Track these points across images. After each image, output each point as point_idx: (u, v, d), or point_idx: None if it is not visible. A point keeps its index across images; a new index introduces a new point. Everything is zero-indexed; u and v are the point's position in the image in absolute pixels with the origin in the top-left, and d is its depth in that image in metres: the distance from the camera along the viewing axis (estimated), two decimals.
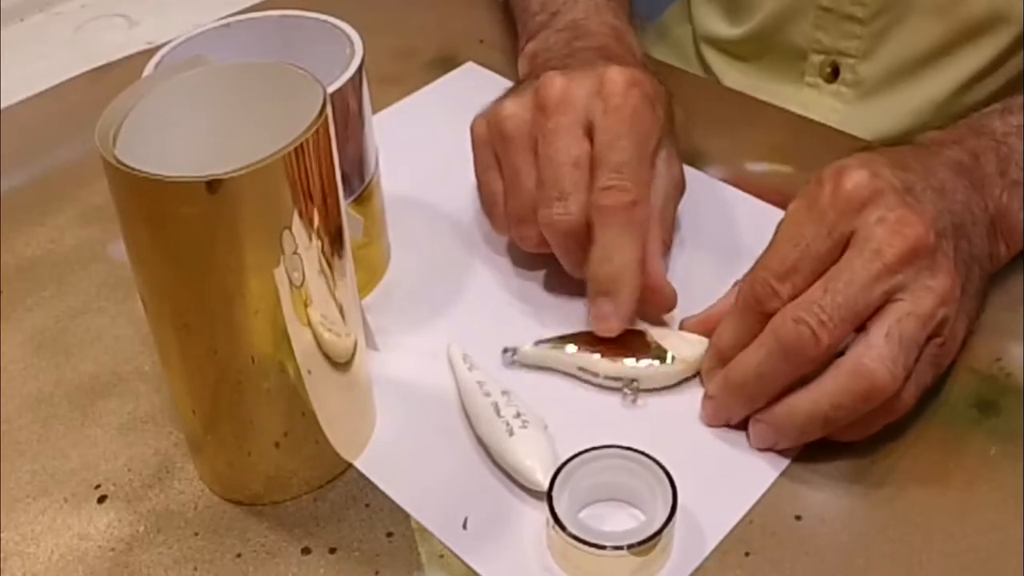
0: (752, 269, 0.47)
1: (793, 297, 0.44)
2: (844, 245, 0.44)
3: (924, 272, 0.44)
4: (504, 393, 0.48)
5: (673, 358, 0.49)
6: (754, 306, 0.46)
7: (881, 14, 0.69)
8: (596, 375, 0.49)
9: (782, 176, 0.63)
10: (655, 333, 0.50)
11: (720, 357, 0.48)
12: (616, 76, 0.51)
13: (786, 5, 0.72)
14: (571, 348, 0.50)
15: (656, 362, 0.49)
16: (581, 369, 0.50)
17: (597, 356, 0.49)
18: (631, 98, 0.50)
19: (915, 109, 0.71)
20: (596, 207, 0.49)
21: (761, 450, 0.46)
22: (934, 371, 0.46)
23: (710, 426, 0.48)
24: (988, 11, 0.66)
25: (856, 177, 0.45)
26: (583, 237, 0.50)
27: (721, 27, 0.78)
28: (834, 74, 0.73)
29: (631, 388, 0.48)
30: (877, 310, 0.43)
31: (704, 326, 0.50)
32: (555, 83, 0.51)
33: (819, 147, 0.66)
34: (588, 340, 0.50)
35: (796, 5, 0.72)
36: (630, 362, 0.49)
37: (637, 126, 0.50)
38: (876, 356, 0.42)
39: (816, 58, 0.73)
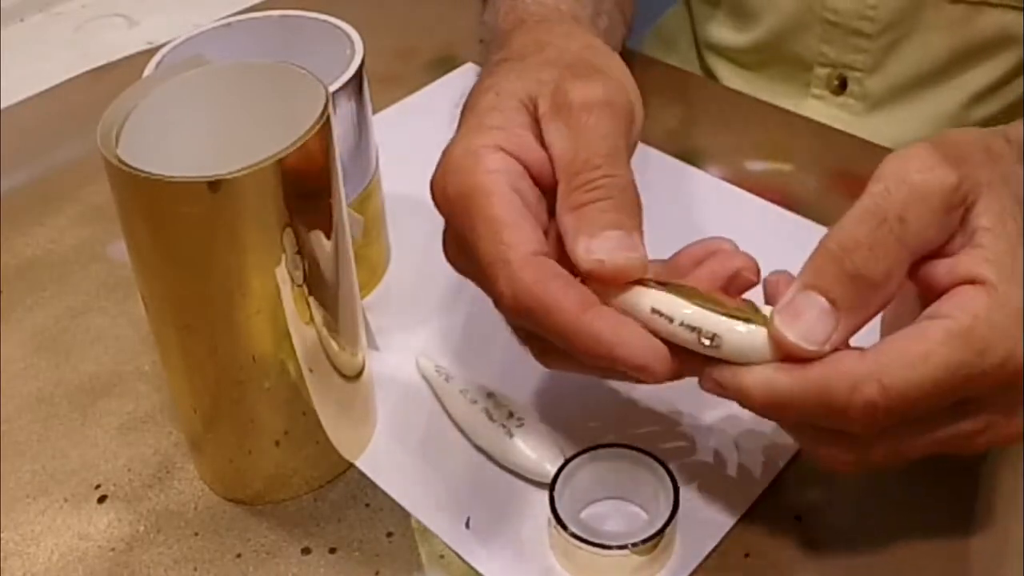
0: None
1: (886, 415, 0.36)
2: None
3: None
4: (490, 396, 0.48)
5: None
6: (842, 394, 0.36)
7: (889, 29, 0.68)
8: (671, 320, 0.38)
9: (782, 175, 0.63)
10: (766, 308, 0.40)
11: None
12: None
13: (791, 17, 0.72)
14: (650, 287, 0.39)
15: (753, 326, 0.38)
16: (655, 312, 0.39)
17: (680, 300, 0.39)
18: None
19: (923, 123, 0.71)
20: None
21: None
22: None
23: (705, 388, 0.40)
24: (997, 28, 0.66)
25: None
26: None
27: (725, 35, 0.78)
28: (842, 86, 0.72)
29: (711, 340, 0.38)
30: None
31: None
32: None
33: (819, 146, 0.66)
34: (680, 287, 0.40)
35: (802, 18, 0.71)
36: (719, 317, 0.38)
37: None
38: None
39: (822, 71, 0.73)
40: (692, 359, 0.38)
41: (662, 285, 0.39)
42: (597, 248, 0.38)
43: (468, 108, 0.44)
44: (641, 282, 0.39)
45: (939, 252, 0.37)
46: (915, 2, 0.67)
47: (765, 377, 0.37)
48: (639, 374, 0.37)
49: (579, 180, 0.40)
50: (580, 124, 0.41)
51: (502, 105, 0.42)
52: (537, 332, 0.39)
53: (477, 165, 0.40)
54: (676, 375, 0.39)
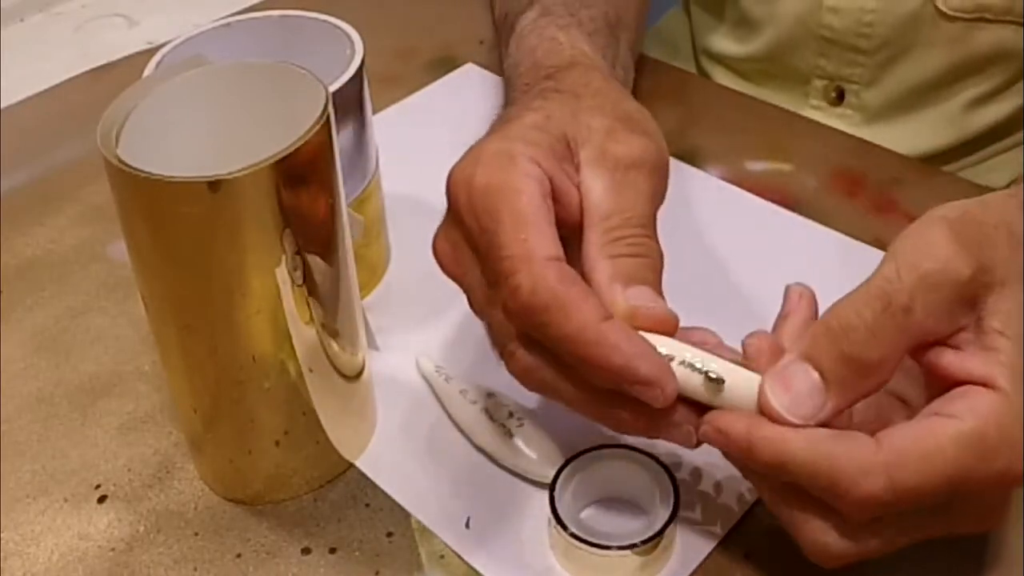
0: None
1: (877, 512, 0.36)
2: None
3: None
4: (490, 396, 0.48)
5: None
6: (842, 493, 0.35)
7: (885, 46, 0.68)
8: (673, 359, 0.38)
9: (782, 174, 0.63)
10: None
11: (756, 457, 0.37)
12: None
13: (789, 32, 0.72)
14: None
15: (755, 376, 0.37)
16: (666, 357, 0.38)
17: (682, 344, 0.38)
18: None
19: (921, 134, 0.71)
20: None
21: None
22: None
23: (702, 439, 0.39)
24: (994, 43, 0.66)
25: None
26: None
27: (724, 45, 0.78)
28: (839, 98, 0.72)
29: (713, 381, 0.38)
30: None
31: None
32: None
33: (819, 146, 0.66)
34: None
35: (799, 33, 0.71)
36: (722, 361, 0.38)
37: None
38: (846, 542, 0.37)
39: (820, 83, 0.73)
40: (682, 408, 0.38)
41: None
42: (632, 296, 0.38)
43: (511, 117, 0.44)
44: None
45: (946, 339, 0.37)
46: (912, 19, 0.67)
47: (778, 433, 0.36)
48: (646, 390, 0.37)
49: (620, 233, 0.40)
50: (625, 179, 0.41)
51: (549, 129, 0.42)
52: (544, 336, 0.38)
53: (513, 165, 0.40)
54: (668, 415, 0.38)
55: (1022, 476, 0.35)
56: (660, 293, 0.40)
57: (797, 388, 0.36)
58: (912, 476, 0.35)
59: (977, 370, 0.36)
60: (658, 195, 0.42)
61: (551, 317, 0.37)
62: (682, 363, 0.38)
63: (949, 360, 0.36)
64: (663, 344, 0.38)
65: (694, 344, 0.39)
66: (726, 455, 0.38)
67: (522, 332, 0.39)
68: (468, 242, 0.41)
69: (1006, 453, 0.35)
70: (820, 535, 0.37)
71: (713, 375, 0.37)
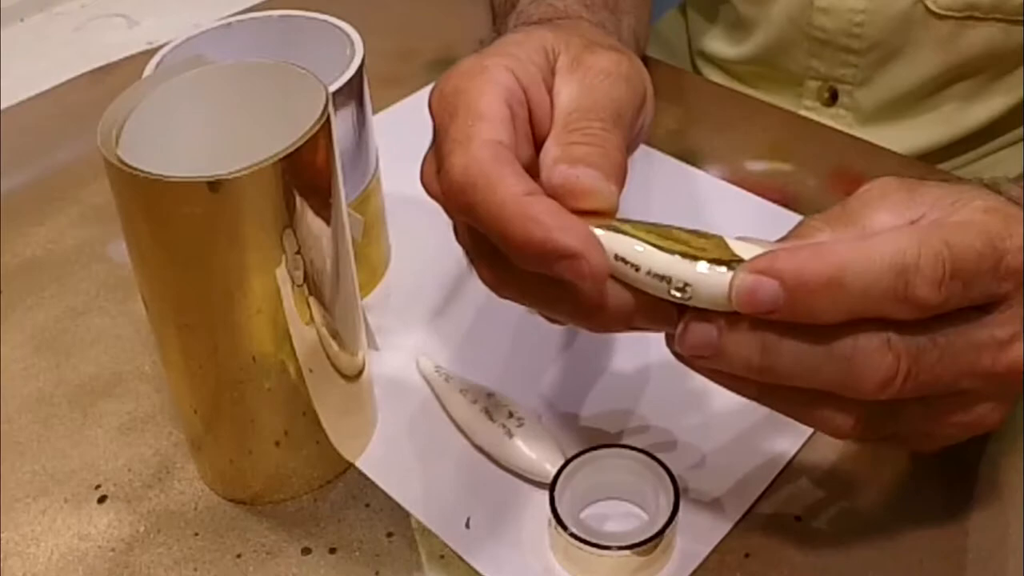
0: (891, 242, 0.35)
1: (911, 315, 0.35)
2: (986, 303, 0.37)
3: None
4: (490, 396, 0.48)
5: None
6: (874, 293, 0.34)
7: (877, 46, 0.69)
8: (637, 268, 0.36)
9: (782, 174, 0.63)
10: (735, 243, 0.37)
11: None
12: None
13: (781, 33, 0.72)
14: (613, 229, 0.37)
15: (722, 268, 0.35)
16: (619, 259, 0.36)
17: (641, 245, 0.36)
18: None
19: (914, 134, 0.71)
20: None
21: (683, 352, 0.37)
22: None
23: (683, 351, 0.37)
24: (985, 41, 0.66)
25: None
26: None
27: (719, 47, 0.78)
28: (832, 99, 0.73)
29: (681, 291, 0.36)
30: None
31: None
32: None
33: (818, 145, 0.66)
34: (637, 223, 0.38)
35: (791, 34, 0.72)
36: (685, 262, 0.36)
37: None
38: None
39: (813, 83, 0.73)
40: (663, 309, 0.37)
41: (628, 223, 0.37)
42: (572, 172, 0.37)
43: (495, 41, 0.44)
44: (609, 226, 0.37)
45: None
46: (902, 19, 0.67)
47: (820, 248, 0.35)
48: (572, 266, 0.35)
49: (576, 125, 0.39)
50: (594, 83, 0.40)
51: (526, 42, 0.42)
52: (474, 218, 0.37)
53: (482, 73, 0.40)
54: (631, 319, 0.37)
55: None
56: (609, 176, 0.37)
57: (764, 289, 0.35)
58: (960, 236, 0.35)
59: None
60: (630, 104, 0.41)
61: (478, 194, 0.36)
62: (649, 273, 0.36)
63: None
64: (627, 250, 0.36)
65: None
66: (727, 358, 0.36)
67: (462, 224, 0.38)
68: (437, 151, 0.40)
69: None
70: (883, 345, 0.35)
71: (678, 284, 0.35)
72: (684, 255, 0.36)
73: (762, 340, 0.35)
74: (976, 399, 0.38)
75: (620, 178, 0.38)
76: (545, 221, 0.35)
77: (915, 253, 0.34)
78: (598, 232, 0.36)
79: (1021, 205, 0.38)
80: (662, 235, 0.37)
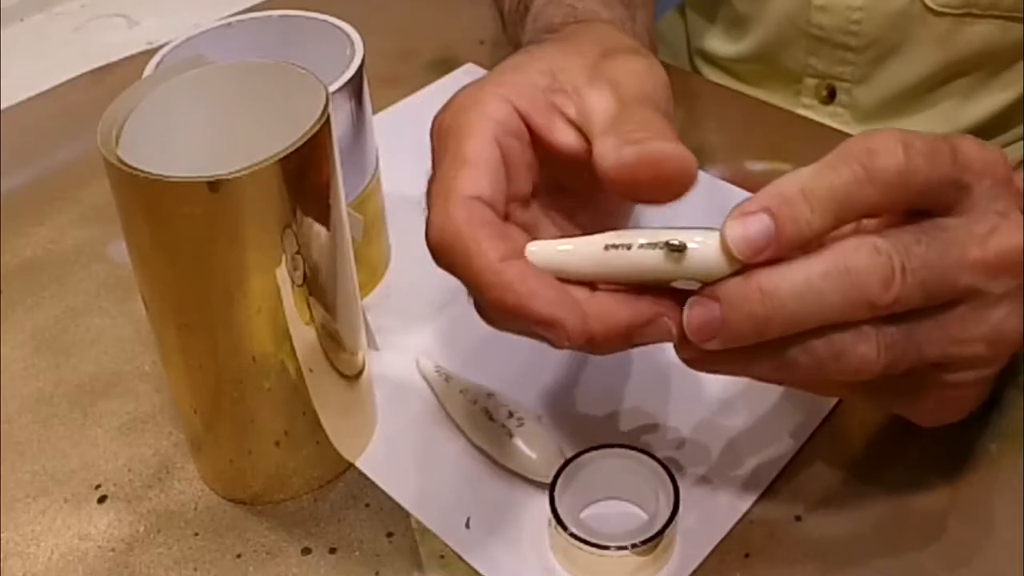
0: (843, 157, 0.36)
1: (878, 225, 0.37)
2: (954, 201, 0.37)
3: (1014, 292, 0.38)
4: (490, 395, 0.48)
5: None
6: (835, 207, 0.35)
7: (875, 44, 0.69)
8: (629, 246, 0.37)
9: (782, 174, 0.62)
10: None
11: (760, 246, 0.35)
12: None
13: (779, 31, 0.72)
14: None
15: (716, 234, 0.36)
16: (611, 246, 0.37)
17: (631, 229, 0.37)
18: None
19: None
20: None
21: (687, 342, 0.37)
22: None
23: (693, 339, 0.37)
24: (983, 38, 0.66)
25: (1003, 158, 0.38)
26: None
27: (717, 45, 0.78)
28: (831, 96, 0.73)
29: (677, 244, 0.36)
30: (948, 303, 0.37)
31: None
32: None
33: (819, 146, 0.66)
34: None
35: (789, 32, 0.72)
36: (673, 230, 0.37)
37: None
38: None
39: (811, 81, 0.73)
40: (655, 299, 0.37)
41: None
42: (642, 148, 0.36)
43: (500, 64, 0.43)
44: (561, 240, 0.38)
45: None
46: (900, 16, 0.67)
47: (796, 171, 0.36)
48: (551, 331, 0.36)
49: (627, 119, 0.38)
50: (626, 82, 0.40)
51: (529, 65, 0.42)
52: (455, 276, 0.37)
53: (476, 107, 0.40)
54: (628, 337, 0.37)
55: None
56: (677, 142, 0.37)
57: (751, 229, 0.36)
58: (919, 136, 0.36)
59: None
60: (662, 98, 0.41)
61: (455, 257, 0.37)
62: (641, 246, 0.36)
63: None
64: (613, 236, 0.37)
65: None
66: (737, 335, 0.36)
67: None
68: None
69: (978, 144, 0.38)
70: (864, 252, 0.36)
71: (674, 242, 0.36)
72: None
73: (759, 286, 0.35)
74: (986, 302, 0.37)
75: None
76: (518, 289, 0.36)
77: (865, 143, 0.36)
78: (575, 240, 0.37)
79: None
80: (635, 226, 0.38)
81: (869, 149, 0.36)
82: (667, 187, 0.37)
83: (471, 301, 0.40)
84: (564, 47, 0.43)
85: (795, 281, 0.35)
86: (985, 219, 0.37)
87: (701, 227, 0.37)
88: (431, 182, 0.39)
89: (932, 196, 0.37)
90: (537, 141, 0.40)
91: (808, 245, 0.36)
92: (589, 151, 0.39)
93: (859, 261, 0.35)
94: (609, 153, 0.37)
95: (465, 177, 0.38)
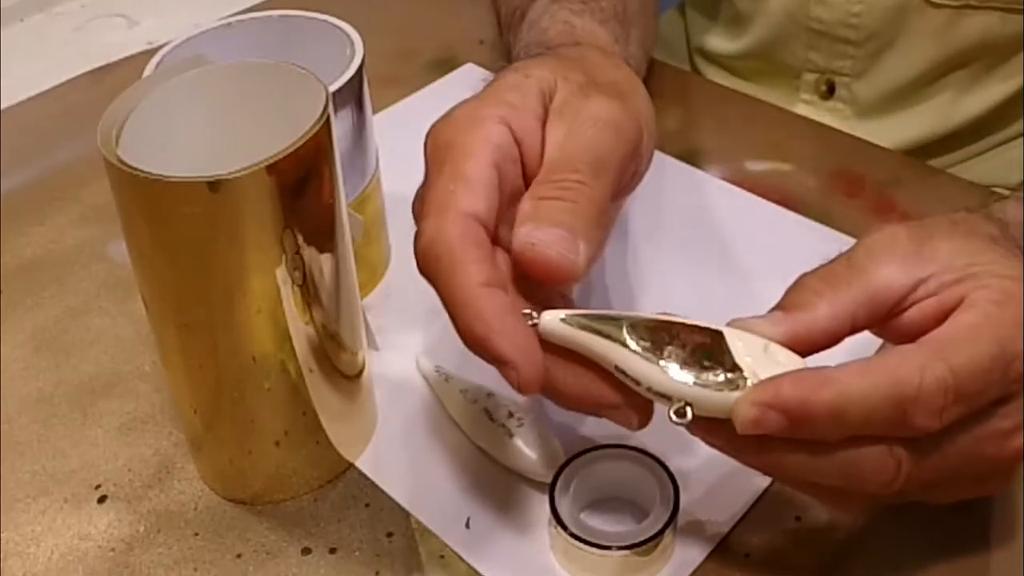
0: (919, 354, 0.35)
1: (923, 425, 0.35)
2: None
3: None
4: (490, 395, 0.48)
5: (748, 384, 0.36)
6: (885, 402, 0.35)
7: (874, 37, 0.69)
8: (637, 383, 0.37)
9: (782, 174, 0.63)
10: (736, 342, 0.37)
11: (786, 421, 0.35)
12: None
13: (779, 26, 0.72)
14: (610, 338, 0.37)
15: (725, 390, 0.36)
16: (618, 370, 0.37)
17: (643, 362, 0.36)
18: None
19: (911, 126, 0.71)
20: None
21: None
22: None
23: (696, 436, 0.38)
24: (981, 30, 0.66)
25: None
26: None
27: (717, 43, 0.78)
28: (830, 91, 0.73)
29: (681, 411, 0.36)
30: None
31: (798, 340, 0.37)
32: None
33: (819, 146, 0.66)
34: (636, 325, 0.37)
35: (788, 27, 0.72)
36: (687, 377, 0.36)
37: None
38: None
39: (810, 76, 0.73)
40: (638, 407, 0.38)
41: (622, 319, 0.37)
42: (536, 236, 0.37)
43: (496, 79, 0.44)
44: (590, 315, 0.37)
45: None
46: (899, 9, 0.67)
47: (823, 376, 0.35)
48: (504, 371, 0.36)
49: (553, 177, 0.39)
50: (580, 131, 0.41)
51: (524, 86, 0.42)
52: (435, 289, 0.38)
53: (476, 128, 0.40)
54: (597, 403, 0.38)
55: None
56: (580, 236, 0.37)
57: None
58: (966, 355, 0.35)
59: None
60: (616, 154, 0.41)
61: (440, 270, 0.37)
62: (649, 390, 0.37)
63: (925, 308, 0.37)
64: (629, 364, 0.37)
65: None
66: (746, 457, 0.37)
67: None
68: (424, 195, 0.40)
69: None
70: (886, 454, 0.36)
71: (678, 408, 0.36)
72: (682, 365, 0.36)
73: (767, 449, 0.36)
74: (983, 478, 0.39)
75: (592, 234, 0.38)
76: (489, 321, 0.36)
77: (916, 382, 0.34)
78: (595, 339, 0.37)
79: None
80: (655, 330, 0.37)
81: (916, 399, 0.34)
82: (539, 278, 0.37)
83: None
84: (554, 68, 0.44)
85: (802, 459, 0.36)
86: (1014, 415, 0.37)
87: (712, 329, 0.37)
88: (424, 193, 0.39)
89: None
90: (526, 164, 0.41)
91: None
92: None
93: (867, 459, 0.36)
94: (518, 217, 0.38)
95: (463, 193, 0.38)
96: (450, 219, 0.37)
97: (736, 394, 0.35)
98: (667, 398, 0.36)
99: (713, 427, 0.37)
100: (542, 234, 0.37)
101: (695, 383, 0.36)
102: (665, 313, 0.38)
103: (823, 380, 0.35)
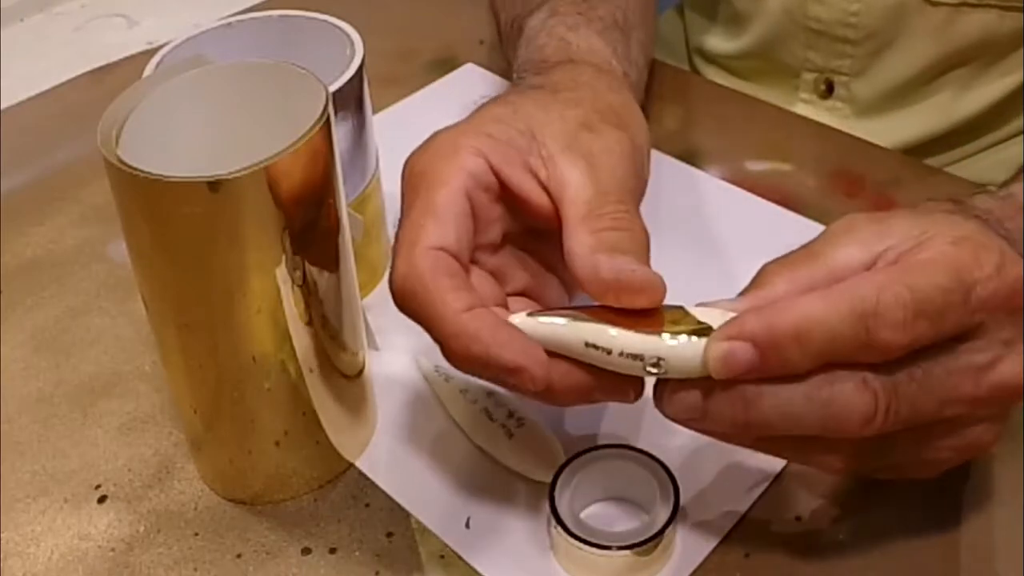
0: (861, 282, 0.36)
1: (882, 353, 0.36)
2: (961, 334, 0.37)
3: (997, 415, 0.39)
4: (490, 395, 0.48)
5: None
6: (844, 331, 0.35)
7: (872, 36, 0.69)
8: (609, 351, 0.37)
9: (782, 174, 0.63)
10: (696, 310, 0.38)
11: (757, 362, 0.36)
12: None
13: (777, 25, 0.72)
14: (577, 320, 0.38)
15: (693, 337, 0.36)
16: (590, 345, 0.37)
17: (613, 329, 0.37)
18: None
19: (911, 124, 0.71)
20: None
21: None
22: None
23: (673, 419, 0.38)
24: (979, 28, 0.66)
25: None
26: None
27: (716, 43, 0.79)
28: (829, 91, 0.73)
29: (655, 366, 0.37)
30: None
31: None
32: None
33: (819, 146, 0.66)
34: (601, 312, 0.38)
35: (787, 26, 0.72)
36: (655, 337, 0.37)
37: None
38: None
39: (809, 76, 0.73)
40: (621, 386, 0.38)
41: (567, 311, 0.38)
42: (617, 264, 0.38)
43: (481, 108, 0.44)
44: (546, 312, 0.38)
45: None
46: (897, 8, 0.67)
47: (784, 305, 0.35)
48: (515, 378, 0.37)
49: (601, 211, 0.40)
50: (602, 165, 0.41)
51: (512, 122, 0.43)
52: (417, 323, 0.38)
53: (452, 156, 0.41)
54: (589, 396, 0.38)
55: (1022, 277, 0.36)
56: (644, 263, 0.39)
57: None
58: (921, 275, 0.35)
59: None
60: (634, 181, 0.42)
61: (417, 305, 0.38)
62: (622, 354, 0.37)
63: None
64: (595, 335, 0.37)
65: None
66: (727, 432, 0.38)
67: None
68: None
69: (994, 250, 0.36)
70: (861, 385, 0.36)
71: (651, 360, 0.37)
72: (650, 332, 0.37)
73: (743, 397, 0.36)
74: (966, 423, 0.38)
75: (647, 254, 0.40)
76: (484, 339, 0.37)
77: (873, 298, 0.35)
78: (559, 321, 0.38)
79: (994, 221, 0.39)
80: (619, 316, 0.38)
81: (876, 313, 0.35)
82: (633, 304, 0.38)
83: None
84: (548, 105, 0.44)
85: (777, 400, 0.36)
86: (988, 348, 0.37)
87: (674, 306, 0.38)
88: (398, 227, 0.40)
89: (936, 343, 0.37)
90: (508, 194, 0.41)
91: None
92: (556, 213, 0.41)
93: (843, 394, 0.36)
94: (585, 260, 0.39)
95: (431, 227, 0.39)
96: (418, 254, 0.38)
97: (704, 340, 0.36)
98: (639, 358, 0.37)
99: (688, 399, 0.37)
100: (618, 262, 0.38)
101: (665, 336, 0.37)
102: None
103: (784, 307, 0.36)
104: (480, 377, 0.39)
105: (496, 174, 0.41)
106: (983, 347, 0.37)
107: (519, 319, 0.39)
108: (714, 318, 0.37)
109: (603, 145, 0.42)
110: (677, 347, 0.37)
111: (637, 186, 0.43)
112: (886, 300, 0.35)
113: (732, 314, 0.37)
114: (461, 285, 0.38)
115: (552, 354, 0.38)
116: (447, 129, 0.42)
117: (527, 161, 0.42)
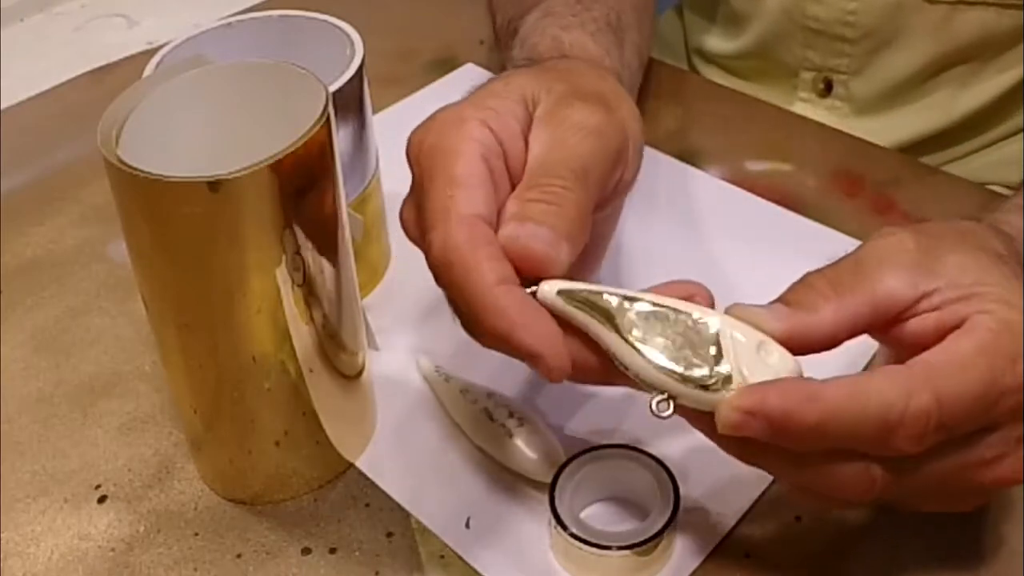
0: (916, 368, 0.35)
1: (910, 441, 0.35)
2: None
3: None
4: (490, 396, 0.48)
5: (734, 385, 0.36)
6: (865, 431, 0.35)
7: (871, 34, 0.69)
8: (626, 368, 0.37)
9: (782, 174, 0.63)
10: (730, 335, 0.37)
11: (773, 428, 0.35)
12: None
13: (776, 25, 0.72)
14: (602, 318, 0.37)
15: (710, 386, 0.36)
16: (609, 352, 0.38)
17: (638, 352, 0.37)
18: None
19: (909, 123, 0.71)
20: None
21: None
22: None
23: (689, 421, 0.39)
24: (977, 27, 0.66)
25: None
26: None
27: (715, 43, 0.79)
28: (827, 89, 0.73)
29: (663, 402, 0.37)
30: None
31: (797, 339, 0.37)
32: None
33: (819, 146, 0.66)
34: (630, 308, 0.37)
35: (785, 25, 0.72)
36: (673, 369, 0.36)
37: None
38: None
39: (807, 75, 0.73)
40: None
41: (600, 291, 0.38)
42: (521, 231, 0.38)
43: (478, 88, 0.44)
44: (579, 291, 0.38)
45: None
46: (895, 6, 0.67)
47: (810, 392, 0.35)
48: (532, 363, 0.37)
49: (536, 182, 0.40)
50: (564, 139, 0.41)
51: (505, 93, 0.43)
52: (452, 295, 0.38)
53: (459, 129, 0.40)
54: (593, 378, 0.39)
55: None
56: (563, 236, 0.38)
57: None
58: (955, 386, 0.35)
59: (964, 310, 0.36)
60: (599, 162, 0.41)
61: (454, 275, 0.37)
62: (638, 377, 0.37)
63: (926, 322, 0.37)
64: (621, 351, 0.37)
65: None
66: (726, 446, 0.38)
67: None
68: (417, 202, 0.41)
69: None
70: (863, 471, 0.36)
71: (661, 399, 0.37)
72: (670, 358, 0.36)
73: (747, 445, 0.37)
74: (960, 497, 0.39)
75: (575, 237, 0.39)
76: (511, 316, 0.36)
77: (901, 408, 0.34)
78: (587, 320, 0.37)
79: None
80: (648, 316, 0.37)
81: (900, 423, 0.34)
82: (527, 272, 0.38)
83: (455, 318, 0.40)
84: (538, 77, 0.44)
85: (782, 460, 0.37)
86: (999, 444, 0.37)
87: (702, 318, 0.37)
88: (422, 203, 0.39)
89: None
90: (513, 163, 0.41)
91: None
92: None
93: (845, 476, 0.36)
94: (504, 217, 0.39)
95: (460, 196, 0.38)
96: (454, 225, 0.38)
97: (720, 395, 0.36)
98: (654, 388, 0.37)
99: (697, 416, 0.37)
100: (526, 230, 0.38)
101: (681, 378, 0.36)
102: (664, 285, 0.39)
103: (809, 395, 0.35)
104: (497, 351, 0.38)
105: (501, 145, 0.41)
106: (995, 442, 0.37)
107: (549, 288, 0.38)
108: (743, 354, 0.36)
109: (574, 120, 0.42)
110: (692, 393, 0.36)
111: (604, 167, 0.42)
112: (912, 412, 0.34)
113: (764, 351, 0.36)
114: (496, 255, 0.38)
115: (573, 330, 0.38)
116: (448, 106, 0.42)
117: (524, 130, 0.42)
